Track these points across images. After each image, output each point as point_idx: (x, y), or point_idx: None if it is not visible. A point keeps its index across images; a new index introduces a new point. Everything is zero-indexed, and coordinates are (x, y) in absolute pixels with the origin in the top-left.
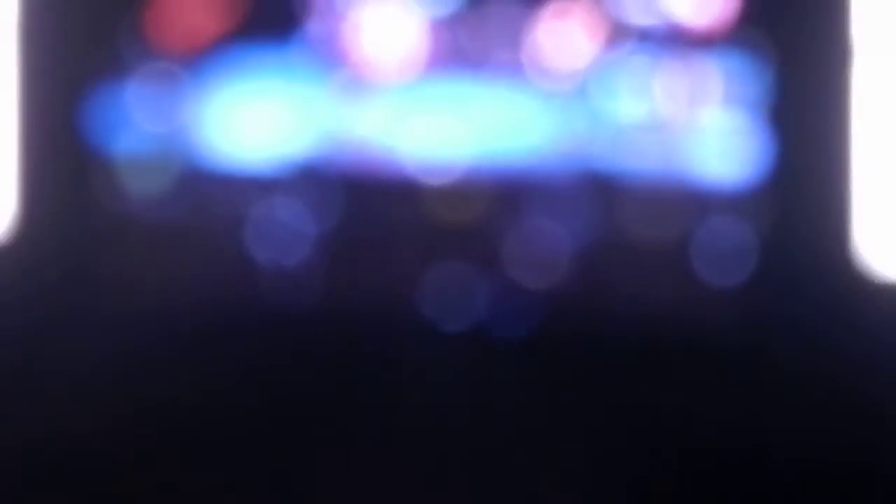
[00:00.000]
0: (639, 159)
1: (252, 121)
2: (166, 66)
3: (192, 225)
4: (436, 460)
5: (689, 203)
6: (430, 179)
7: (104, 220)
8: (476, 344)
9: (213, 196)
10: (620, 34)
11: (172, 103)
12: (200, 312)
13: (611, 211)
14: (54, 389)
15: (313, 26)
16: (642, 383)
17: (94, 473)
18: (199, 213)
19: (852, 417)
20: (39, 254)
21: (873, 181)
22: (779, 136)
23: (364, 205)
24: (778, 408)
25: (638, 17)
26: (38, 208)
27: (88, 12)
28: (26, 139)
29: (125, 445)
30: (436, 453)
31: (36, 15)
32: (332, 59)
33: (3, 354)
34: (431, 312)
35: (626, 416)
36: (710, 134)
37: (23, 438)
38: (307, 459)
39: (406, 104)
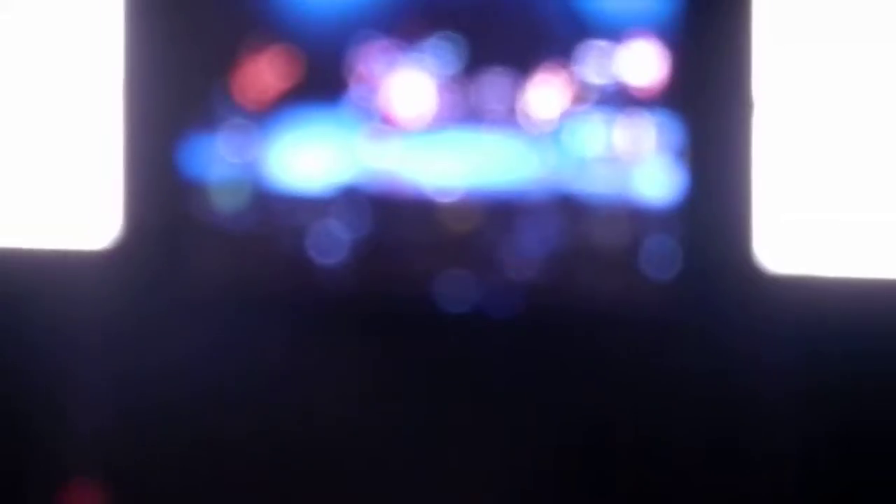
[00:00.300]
0: (597, 186)
1: (306, 157)
2: (245, 115)
3: (262, 233)
4: (446, 404)
5: (633, 218)
6: (440, 201)
7: (195, 230)
8: (473, 323)
9: (278, 212)
10: (584, 94)
11: (248, 143)
12: (268, 299)
13: (576, 224)
14: (157, 368)
15: (355, 88)
16: (598, 349)
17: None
18: (267, 225)
19: (752, 386)
20: (142, 256)
21: (768, 201)
22: (696, 168)
23: (390, 219)
24: (693, 378)
25: (597, 81)
26: (141, 221)
27: (189, 75)
28: (131, 167)
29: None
30: (444, 398)
31: (150, 74)
32: (367, 112)
33: (112, 336)
34: (441, 299)
35: (583, 373)
36: (647, 167)
37: (136, 415)
38: (352, 401)
39: (422, 145)
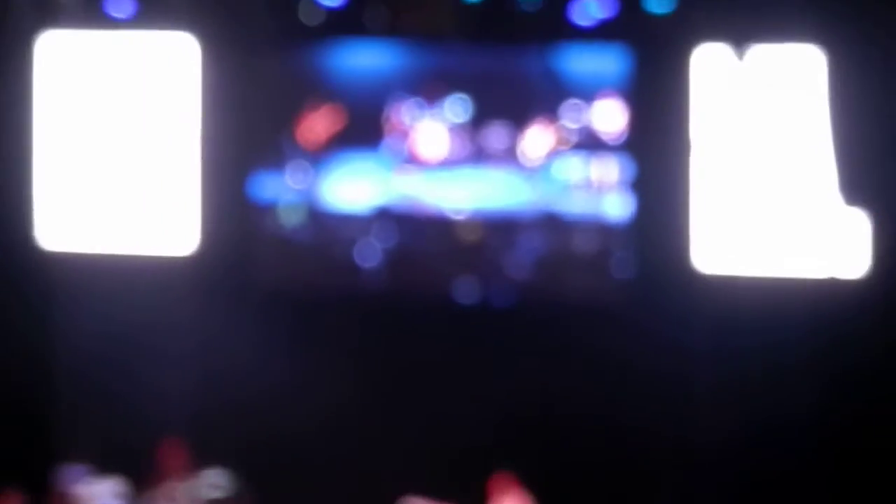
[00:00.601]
0: (575, 208)
1: (351, 186)
2: (303, 153)
3: (316, 245)
4: (458, 375)
5: (601, 233)
6: (454, 219)
7: (262, 242)
8: (480, 312)
9: (328, 228)
10: (565, 139)
11: (306, 175)
12: (322, 297)
13: (558, 237)
14: (230, 356)
15: (388, 135)
16: (573, 333)
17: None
18: (319, 238)
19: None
20: (217, 262)
21: (704, 218)
22: (647, 194)
23: (415, 234)
24: (643, 356)
25: (574, 129)
26: (217, 234)
27: (259, 123)
28: (208, 192)
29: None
30: (457, 370)
31: (227, 122)
32: (398, 153)
33: (191, 333)
34: (455, 294)
35: (560, 351)
36: (612, 194)
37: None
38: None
39: (440, 178)
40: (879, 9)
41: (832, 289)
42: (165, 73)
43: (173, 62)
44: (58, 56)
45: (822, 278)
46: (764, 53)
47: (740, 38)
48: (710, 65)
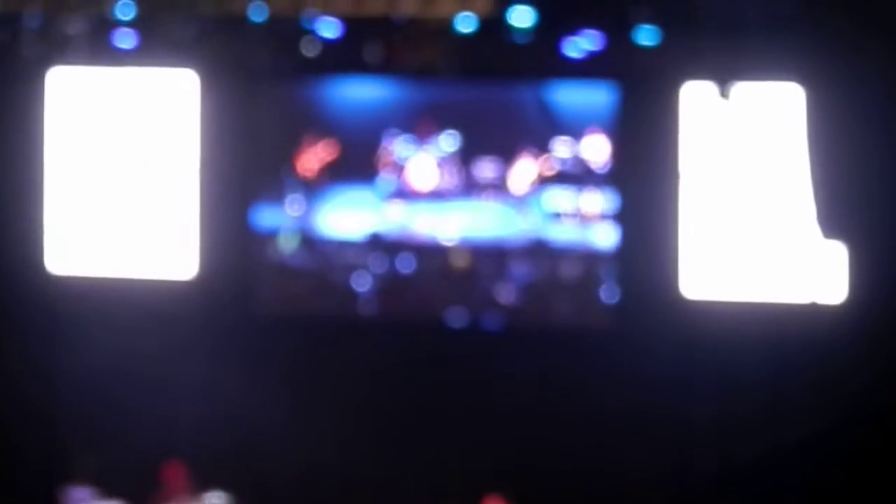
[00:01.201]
0: (562, 237)
1: (347, 215)
2: (300, 184)
3: (312, 270)
4: (449, 393)
5: (588, 260)
6: (446, 247)
7: (260, 266)
8: (471, 337)
9: (325, 254)
10: (552, 171)
11: (303, 204)
12: (318, 322)
13: (546, 264)
14: (233, 378)
15: (382, 168)
16: (560, 355)
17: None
18: (316, 265)
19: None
20: (216, 286)
21: (690, 247)
22: (635, 222)
23: (407, 261)
24: (628, 377)
25: (562, 161)
26: (216, 259)
27: (259, 155)
28: (208, 220)
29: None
30: (448, 389)
31: (227, 154)
32: (392, 185)
33: (193, 355)
34: (446, 319)
35: (548, 372)
36: (599, 223)
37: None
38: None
39: (432, 208)
40: (855, 49)
41: (813, 313)
42: (168, 107)
43: (175, 96)
44: (66, 90)
45: (804, 304)
46: (747, 90)
47: (724, 75)
48: (695, 100)
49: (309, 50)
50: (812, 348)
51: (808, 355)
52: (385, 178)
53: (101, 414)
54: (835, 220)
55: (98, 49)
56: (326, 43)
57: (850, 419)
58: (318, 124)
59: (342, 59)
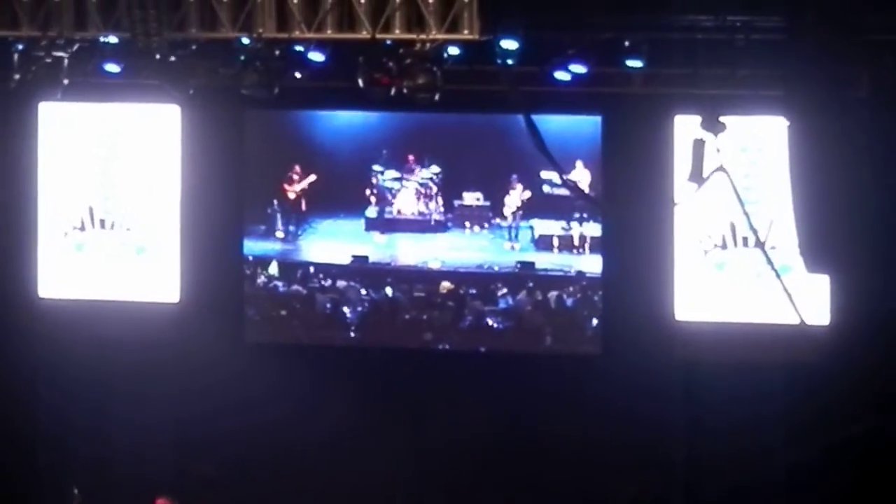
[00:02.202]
0: (549, 262)
1: (332, 243)
2: (288, 212)
3: (299, 296)
4: (434, 416)
5: (575, 284)
6: (433, 271)
7: (246, 293)
8: (456, 360)
9: (311, 282)
10: (540, 199)
11: (290, 231)
12: (304, 346)
13: (534, 290)
14: (209, 398)
15: (370, 195)
16: (545, 378)
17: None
18: (302, 291)
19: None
20: (203, 307)
21: (684, 272)
22: (621, 248)
23: (393, 285)
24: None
25: (550, 190)
26: (200, 283)
27: (246, 183)
28: (194, 246)
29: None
30: (432, 412)
31: (214, 184)
32: (378, 213)
33: (177, 373)
34: (432, 342)
35: (534, 396)
36: (587, 249)
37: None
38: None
39: (419, 236)
40: (840, 82)
41: (800, 334)
42: (155, 139)
43: (162, 128)
44: (57, 124)
45: (791, 325)
46: (734, 123)
47: (713, 108)
48: (684, 132)
49: (296, 77)
50: (797, 366)
51: (796, 373)
52: (371, 206)
53: (85, 441)
54: (818, 246)
55: (84, 75)
56: (314, 69)
57: (837, 438)
58: (305, 152)
59: (328, 86)
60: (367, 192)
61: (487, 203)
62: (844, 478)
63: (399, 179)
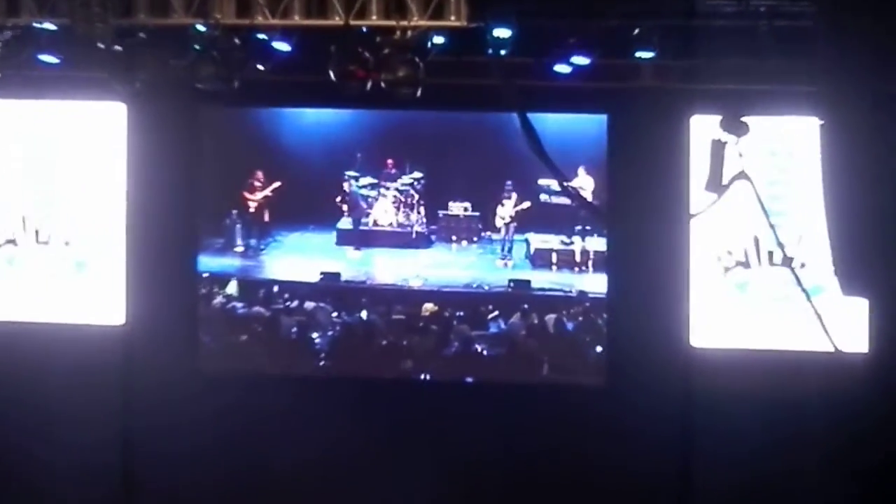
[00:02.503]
0: (548, 282)
1: (300, 259)
2: (249, 223)
3: (262, 319)
4: (414, 457)
5: (578, 306)
6: (414, 294)
7: (201, 315)
8: (441, 392)
9: (275, 304)
10: (535, 210)
11: (251, 246)
12: (267, 373)
13: (530, 311)
14: (160, 435)
15: (343, 204)
16: (543, 411)
17: None
18: (265, 312)
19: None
20: (152, 331)
21: (701, 293)
22: (631, 264)
23: (369, 310)
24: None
25: (553, 198)
26: (149, 304)
27: (203, 190)
28: (139, 261)
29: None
30: (412, 452)
31: (164, 188)
32: (353, 225)
33: (123, 406)
34: (414, 371)
35: (529, 433)
36: (591, 266)
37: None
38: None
39: (399, 251)
40: (876, 78)
41: (834, 363)
42: (98, 140)
43: (106, 127)
44: None
45: (823, 352)
46: (759, 124)
47: (734, 107)
48: (701, 133)
49: (258, 69)
50: (833, 401)
51: (830, 405)
52: (344, 216)
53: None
54: (856, 268)
55: (17, 67)
56: (278, 60)
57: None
58: (268, 156)
59: (296, 79)
60: (340, 200)
61: (477, 214)
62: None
63: (376, 186)
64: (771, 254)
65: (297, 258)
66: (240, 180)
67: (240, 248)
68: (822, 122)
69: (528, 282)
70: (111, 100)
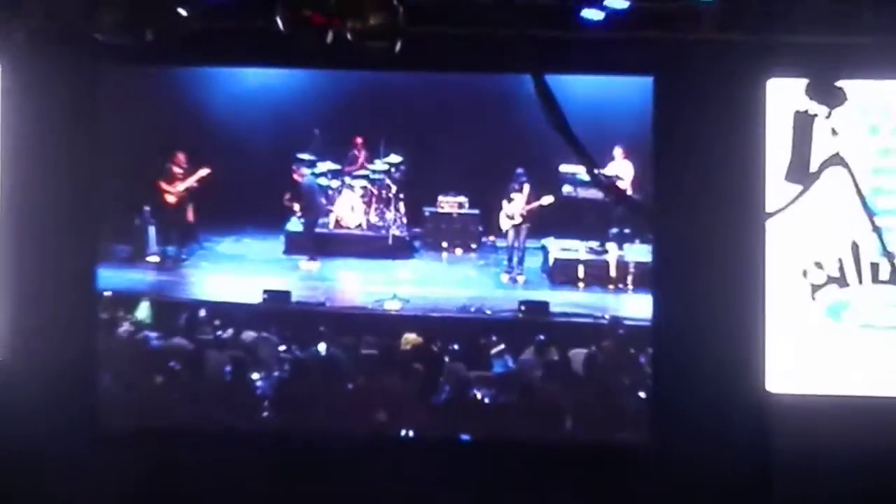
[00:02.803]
0: (570, 304)
1: (236, 273)
2: (167, 225)
3: (183, 353)
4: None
5: (611, 337)
6: (388, 320)
7: (102, 348)
8: (426, 446)
9: (202, 332)
10: (559, 206)
11: (170, 255)
12: (190, 429)
13: (543, 337)
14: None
15: (294, 200)
16: (577, 479)
17: None
18: (187, 339)
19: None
20: (33, 370)
21: (780, 321)
22: (687, 281)
23: (329, 340)
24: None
25: (578, 191)
26: (32, 334)
27: (108, 181)
28: (18, 275)
29: None
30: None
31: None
32: (306, 228)
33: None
34: (390, 423)
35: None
36: (629, 284)
37: None
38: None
39: (368, 262)
40: None
41: None
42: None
43: None
44: None
45: None
46: (858, 90)
47: (824, 68)
48: (780, 102)
49: (179, 14)
50: None
51: None
52: (294, 215)
53: None
54: None
55: None
56: (208, 4)
57: None
58: (193, 132)
59: (230, 28)
60: (289, 194)
61: (476, 212)
62: None
63: (338, 175)
64: (875, 267)
65: (232, 271)
66: (154, 165)
67: (154, 258)
68: None
69: (546, 304)
70: None
